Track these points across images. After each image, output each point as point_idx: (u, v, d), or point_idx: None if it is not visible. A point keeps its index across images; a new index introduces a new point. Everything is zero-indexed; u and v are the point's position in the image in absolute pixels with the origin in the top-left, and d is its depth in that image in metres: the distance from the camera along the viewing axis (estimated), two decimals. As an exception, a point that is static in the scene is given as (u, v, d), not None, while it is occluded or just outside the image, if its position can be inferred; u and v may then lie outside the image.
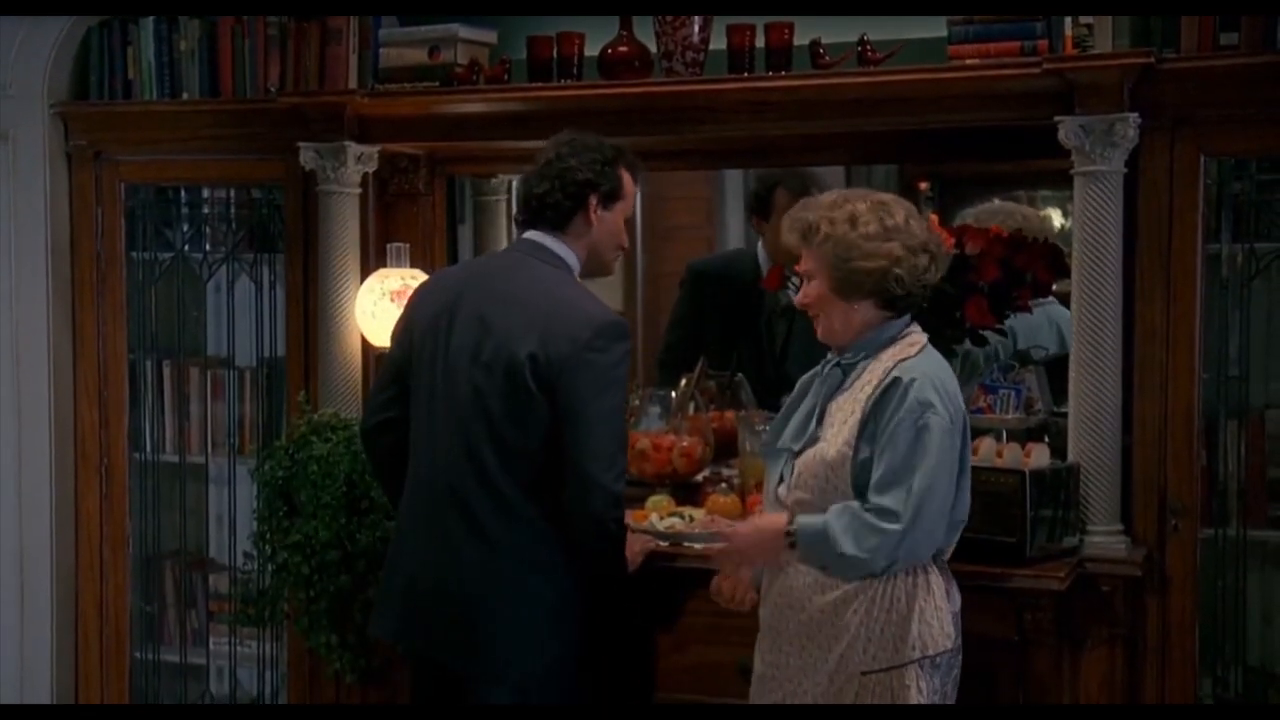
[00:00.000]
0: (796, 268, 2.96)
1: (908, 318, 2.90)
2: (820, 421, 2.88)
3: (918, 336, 2.89)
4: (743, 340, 4.23)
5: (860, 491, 2.78)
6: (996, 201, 4.00)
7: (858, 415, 2.80)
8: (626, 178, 3.16)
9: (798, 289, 3.00)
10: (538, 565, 3.02)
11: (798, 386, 3.01)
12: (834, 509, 2.78)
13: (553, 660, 3.05)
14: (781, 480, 2.92)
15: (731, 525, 3.11)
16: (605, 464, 2.97)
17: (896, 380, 2.78)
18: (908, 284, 2.84)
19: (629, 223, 3.30)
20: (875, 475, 2.76)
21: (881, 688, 2.79)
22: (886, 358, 2.84)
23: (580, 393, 2.97)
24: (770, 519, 2.90)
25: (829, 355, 2.96)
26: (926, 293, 2.90)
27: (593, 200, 3.12)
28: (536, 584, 3.02)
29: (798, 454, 2.89)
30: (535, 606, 3.02)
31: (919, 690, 2.78)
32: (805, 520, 2.81)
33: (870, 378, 2.83)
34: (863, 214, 2.85)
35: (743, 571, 3.00)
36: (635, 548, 3.24)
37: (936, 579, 2.84)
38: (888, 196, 2.92)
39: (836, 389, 2.89)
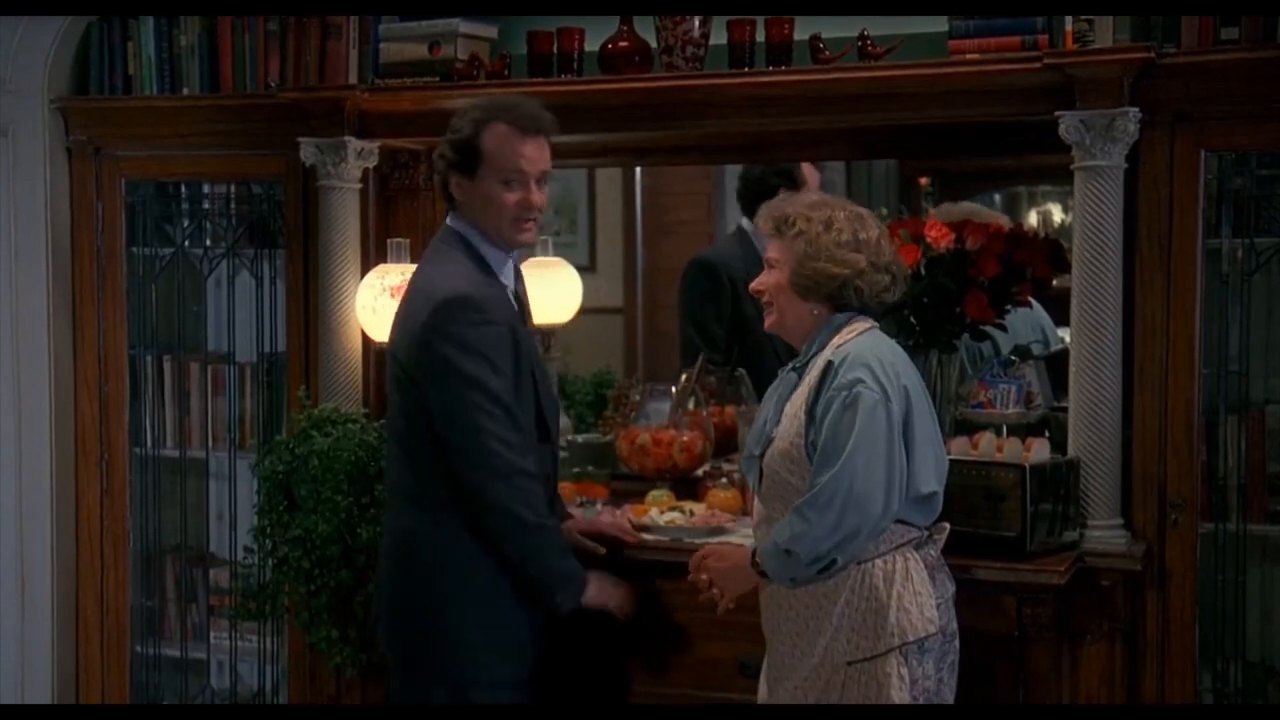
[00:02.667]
0: (766, 257, 3.00)
1: (851, 313, 2.94)
2: (777, 423, 2.94)
3: (860, 324, 2.93)
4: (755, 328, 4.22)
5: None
6: (964, 204, 3.99)
7: (805, 406, 2.86)
8: (491, 136, 3.01)
9: None
10: (450, 563, 3.00)
11: (763, 398, 3.07)
12: (779, 523, 2.84)
13: (478, 661, 3.02)
14: (755, 487, 2.98)
15: (704, 547, 3.12)
16: (473, 437, 2.91)
17: (829, 364, 2.85)
18: (865, 297, 2.92)
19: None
20: (814, 458, 2.82)
21: (866, 677, 2.82)
22: (829, 349, 2.90)
23: (430, 376, 2.95)
24: (735, 553, 3.01)
25: (789, 363, 3.02)
26: (881, 310, 2.98)
27: (452, 178, 3.05)
28: (451, 581, 3.01)
29: (760, 458, 2.95)
30: (453, 604, 3.00)
31: (900, 678, 2.81)
32: (764, 547, 2.88)
33: (815, 371, 2.89)
34: (839, 221, 2.91)
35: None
36: (614, 597, 3.18)
37: (916, 565, 2.86)
38: (865, 212, 2.98)
39: (791, 390, 2.94)
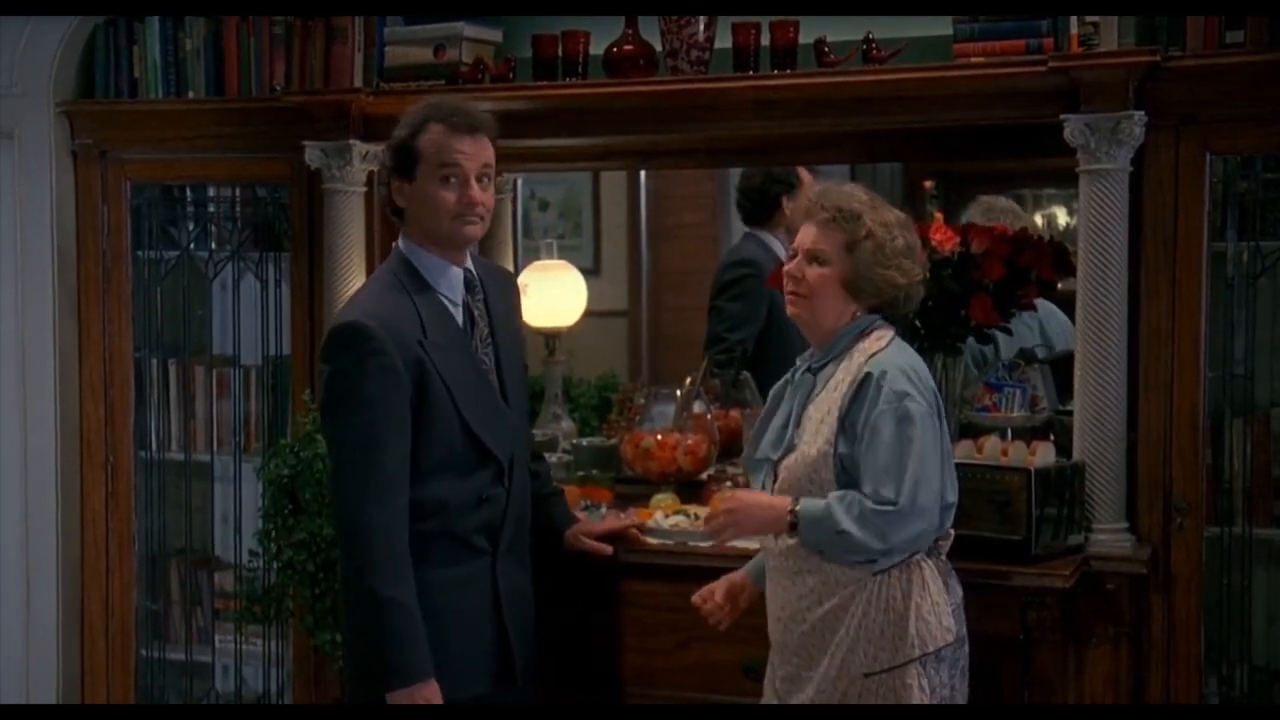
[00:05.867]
0: (800, 243, 2.89)
1: (876, 316, 2.91)
2: (797, 427, 2.89)
3: (884, 330, 2.90)
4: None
5: (844, 489, 2.80)
6: (1002, 199, 4.01)
7: (835, 414, 2.81)
8: (426, 137, 2.97)
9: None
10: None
11: (770, 396, 3.02)
12: (834, 494, 2.78)
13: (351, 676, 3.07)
14: (764, 489, 2.93)
15: (735, 491, 2.97)
16: (331, 475, 2.96)
17: (868, 376, 2.80)
18: (907, 307, 2.91)
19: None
20: (866, 473, 2.77)
21: (885, 689, 2.79)
22: (857, 354, 2.86)
23: (320, 404, 2.98)
24: (776, 498, 2.87)
25: (798, 361, 2.97)
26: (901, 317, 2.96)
27: (394, 184, 3.02)
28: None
29: (778, 462, 2.90)
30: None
31: (920, 689, 2.79)
32: (807, 502, 2.80)
33: (844, 376, 2.85)
34: (895, 225, 2.87)
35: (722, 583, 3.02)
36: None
37: (932, 573, 2.84)
38: (905, 217, 2.94)
39: (810, 393, 2.89)
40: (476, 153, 2.99)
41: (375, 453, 2.86)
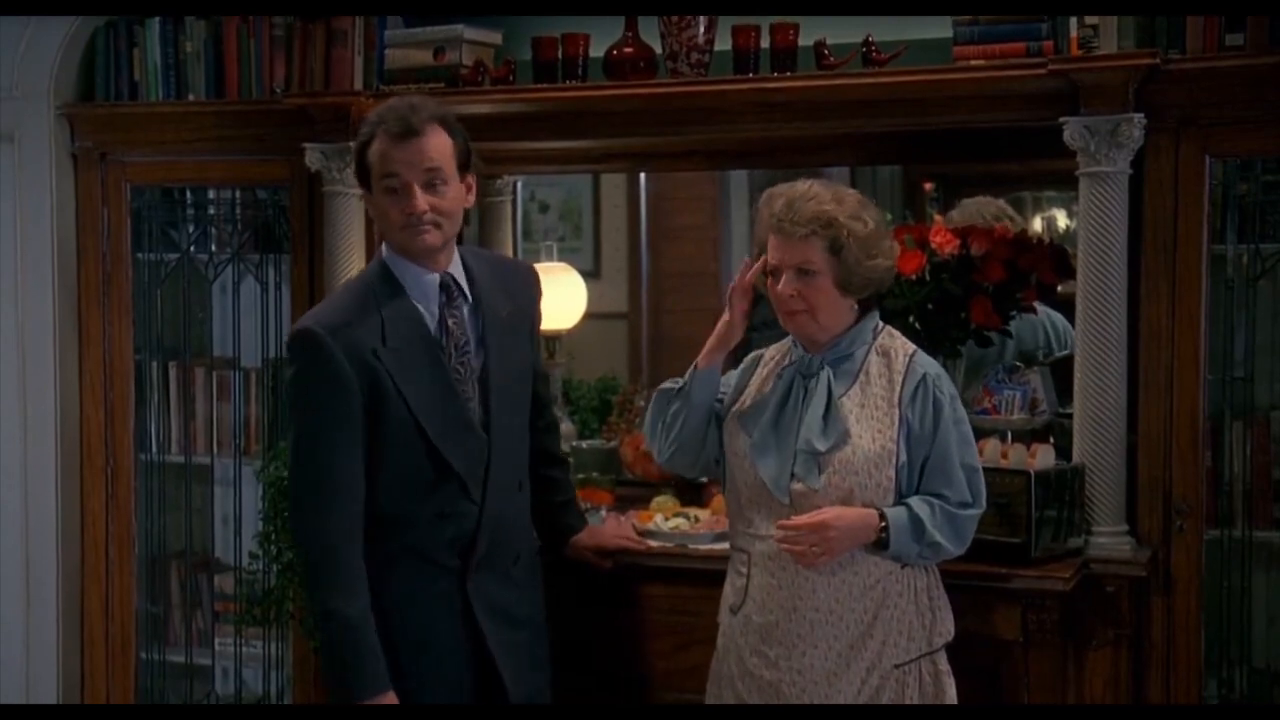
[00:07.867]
0: (784, 260, 2.82)
1: (872, 308, 2.94)
2: (838, 421, 2.83)
3: (886, 326, 2.94)
4: None
5: (900, 487, 2.81)
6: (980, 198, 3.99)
7: (895, 412, 2.82)
8: (373, 148, 2.86)
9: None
10: None
11: (774, 385, 2.92)
12: (911, 501, 2.80)
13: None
14: (794, 477, 2.83)
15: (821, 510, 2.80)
16: (289, 489, 2.89)
17: (924, 378, 2.83)
18: (888, 285, 2.93)
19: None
20: (938, 477, 2.81)
21: (925, 675, 2.84)
22: (895, 352, 2.87)
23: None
24: (859, 513, 2.79)
25: (799, 355, 2.90)
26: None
27: (366, 196, 2.96)
28: None
29: (826, 454, 2.82)
30: None
31: (948, 673, 2.86)
32: (894, 514, 2.79)
33: (882, 371, 2.85)
34: (860, 213, 2.84)
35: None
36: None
37: (935, 569, 2.90)
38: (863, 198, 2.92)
39: (831, 389, 2.84)
40: (417, 158, 2.83)
41: (321, 461, 2.81)
